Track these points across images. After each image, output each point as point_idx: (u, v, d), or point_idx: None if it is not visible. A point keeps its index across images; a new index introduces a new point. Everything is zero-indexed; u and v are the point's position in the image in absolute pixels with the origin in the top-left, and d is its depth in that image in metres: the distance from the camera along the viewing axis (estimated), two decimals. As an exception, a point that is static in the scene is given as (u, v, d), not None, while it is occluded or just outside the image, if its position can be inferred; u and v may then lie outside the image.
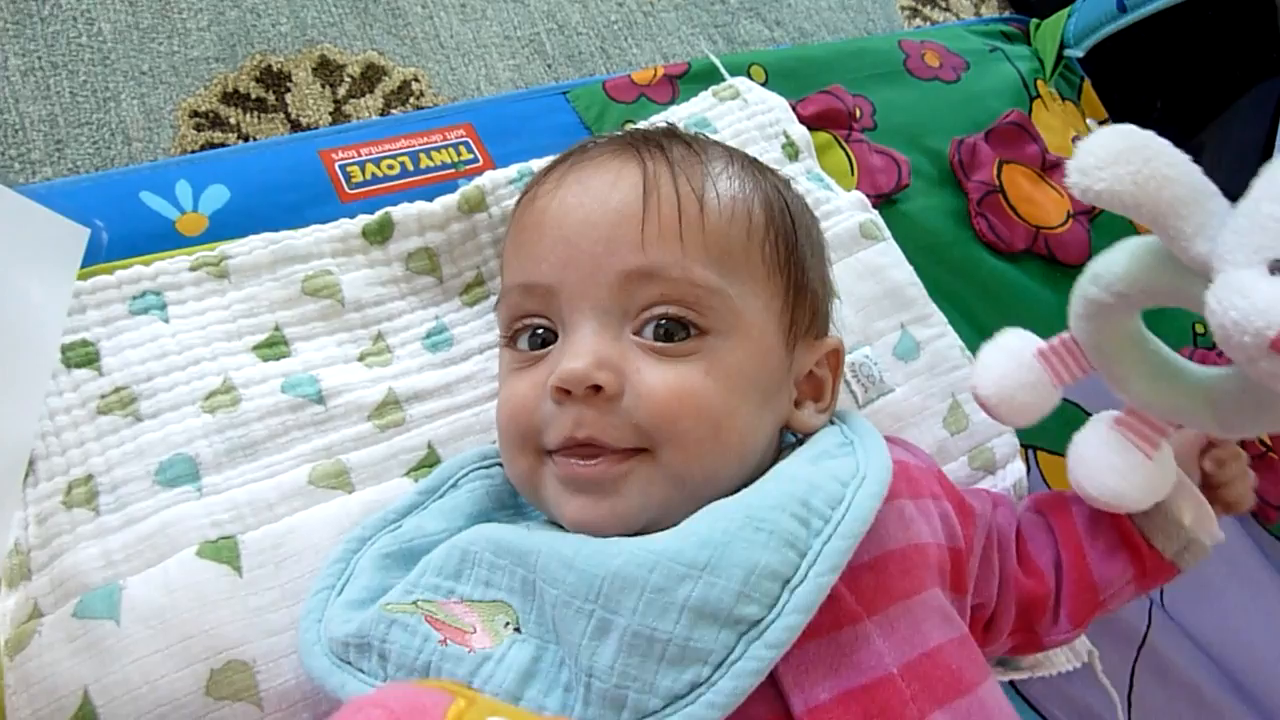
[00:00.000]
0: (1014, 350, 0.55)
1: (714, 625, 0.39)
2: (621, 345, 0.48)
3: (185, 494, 0.54)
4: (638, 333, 0.48)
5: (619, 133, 0.58)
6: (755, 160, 0.58)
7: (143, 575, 0.51)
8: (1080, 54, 1.11)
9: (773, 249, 0.52)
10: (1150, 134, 0.42)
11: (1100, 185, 0.41)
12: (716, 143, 0.58)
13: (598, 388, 0.46)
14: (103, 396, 0.56)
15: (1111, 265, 0.47)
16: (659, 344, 0.48)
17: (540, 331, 0.51)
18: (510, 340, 0.53)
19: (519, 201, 0.58)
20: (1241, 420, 0.47)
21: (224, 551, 0.52)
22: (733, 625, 0.40)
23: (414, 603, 0.47)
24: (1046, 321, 0.85)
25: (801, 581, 0.40)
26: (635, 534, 0.45)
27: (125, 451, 0.55)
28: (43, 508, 0.53)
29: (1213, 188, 0.41)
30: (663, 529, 0.45)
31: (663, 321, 0.48)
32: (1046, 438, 0.77)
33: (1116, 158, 0.41)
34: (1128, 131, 0.42)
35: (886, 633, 0.45)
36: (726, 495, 0.48)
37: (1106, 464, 0.54)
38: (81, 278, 0.60)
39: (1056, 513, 0.61)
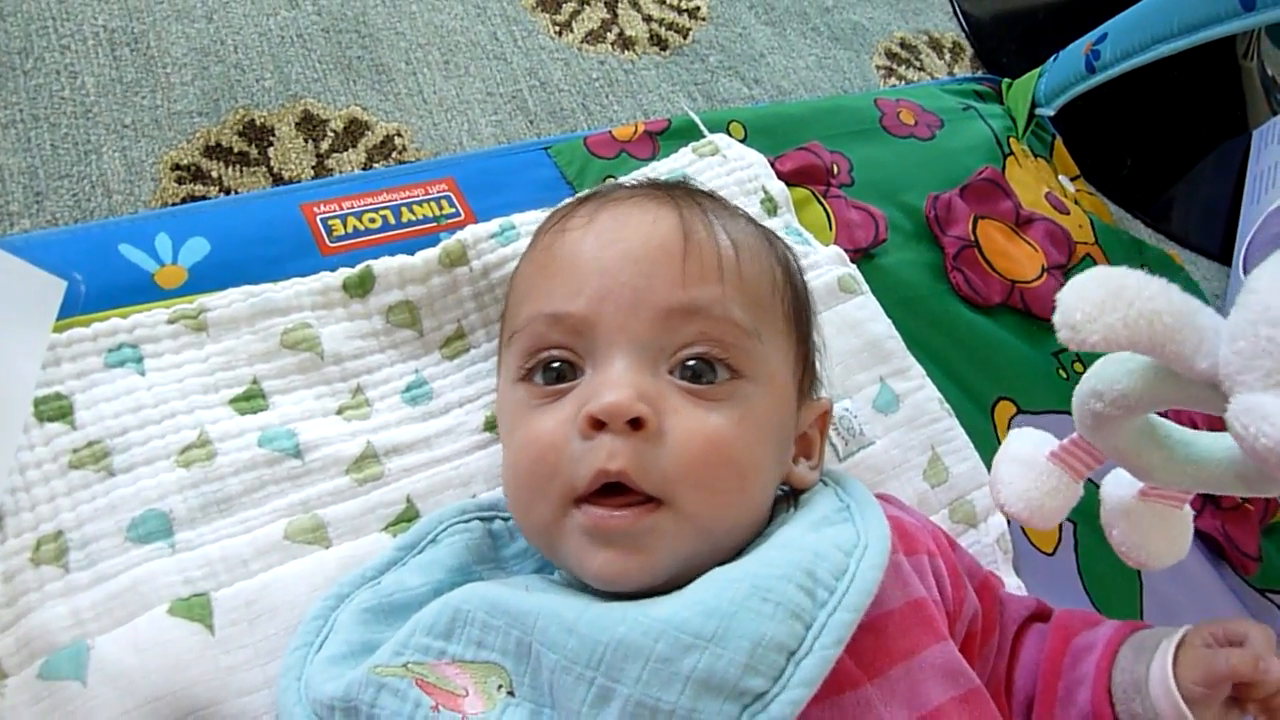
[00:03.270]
0: (1028, 459, 0.55)
1: (718, 697, 0.39)
2: (659, 383, 0.48)
3: (158, 550, 0.53)
4: (672, 372, 0.48)
5: (638, 181, 0.59)
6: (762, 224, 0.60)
7: (111, 634, 0.50)
8: (1051, 113, 1.13)
9: (790, 305, 0.53)
10: (1123, 270, 0.43)
11: (1095, 338, 0.42)
12: (730, 203, 0.59)
13: (637, 422, 0.45)
14: (75, 451, 0.55)
15: (1112, 383, 0.47)
16: (695, 385, 0.48)
17: (556, 365, 0.50)
18: (527, 374, 0.52)
19: (541, 233, 0.57)
20: (1267, 485, 0.48)
21: (196, 609, 0.51)
22: (737, 697, 0.39)
23: (404, 665, 0.45)
24: (1022, 373, 0.87)
25: (807, 654, 0.40)
26: (650, 590, 0.45)
27: (97, 507, 0.54)
28: (10, 565, 0.52)
29: (1195, 303, 0.42)
30: (681, 583, 0.44)
31: (692, 361, 0.48)
32: (1026, 490, 0.77)
33: (1102, 308, 0.41)
34: (1103, 277, 0.43)
35: (887, 697, 0.44)
36: (738, 547, 0.48)
37: (1157, 536, 0.55)
38: (57, 330, 0.59)
39: (1050, 654, 0.56)
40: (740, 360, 0.49)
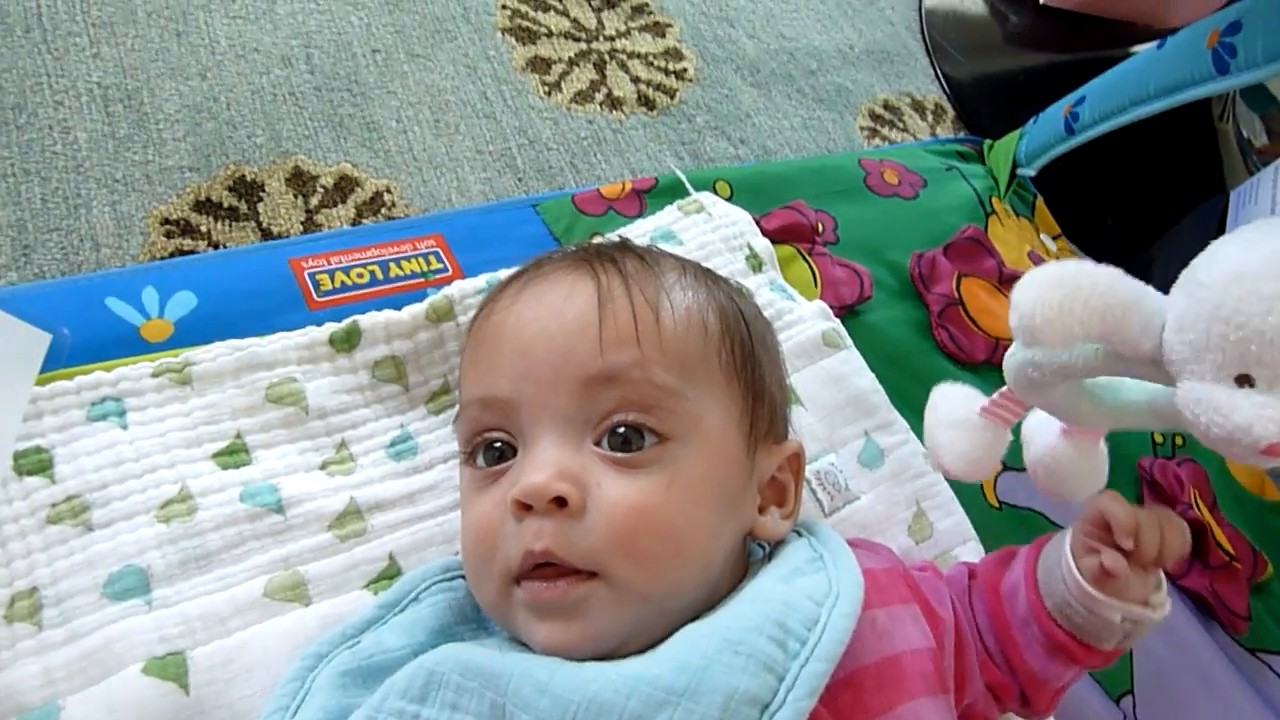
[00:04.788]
0: (962, 420, 0.59)
1: None
2: (583, 457, 0.48)
3: (134, 607, 0.52)
4: (598, 443, 0.48)
5: (574, 248, 0.59)
6: (708, 270, 0.59)
7: (83, 694, 0.49)
8: (1032, 173, 1.15)
9: (729, 355, 0.53)
10: (1075, 267, 0.44)
11: (1055, 340, 0.44)
12: (670, 255, 0.59)
13: (560, 501, 0.45)
14: (53, 505, 0.55)
15: (1053, 358, 0.49)
16: (619, 454, 0.47)
17: (498, 445, 0.51)
18: (469, 457, 0.52)
19: (474, 317, 0.58)
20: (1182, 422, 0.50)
21: (170, 669, 0.50)
22: None
23: None
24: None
25: (780, 707, 0.40)
26: (609, 654, 0.44)
27: (74, 563, 0.53)
28: (-18, 622, 0.51)
29: (1140, 287, 0.44)
30: (637, 647, 0.44)
31: (620, 429, 0.48)
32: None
33: (1061, 310, 0.43)
34: (1057, 277, 0.44)
35: None
36: (697, 606, 0.47)
37: (1078, 470, 0.58)
38: (41, 383, 0.59)
39: (992, 614, 0.58)
40: (666, 422, 0.48)
